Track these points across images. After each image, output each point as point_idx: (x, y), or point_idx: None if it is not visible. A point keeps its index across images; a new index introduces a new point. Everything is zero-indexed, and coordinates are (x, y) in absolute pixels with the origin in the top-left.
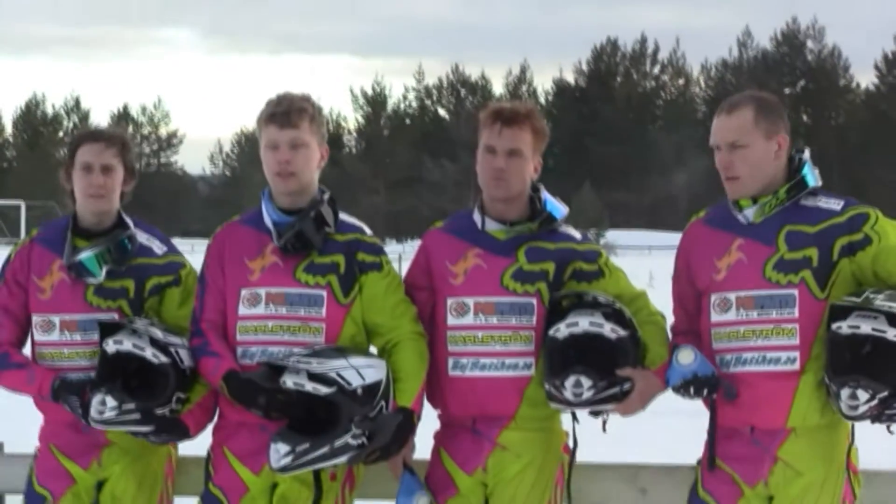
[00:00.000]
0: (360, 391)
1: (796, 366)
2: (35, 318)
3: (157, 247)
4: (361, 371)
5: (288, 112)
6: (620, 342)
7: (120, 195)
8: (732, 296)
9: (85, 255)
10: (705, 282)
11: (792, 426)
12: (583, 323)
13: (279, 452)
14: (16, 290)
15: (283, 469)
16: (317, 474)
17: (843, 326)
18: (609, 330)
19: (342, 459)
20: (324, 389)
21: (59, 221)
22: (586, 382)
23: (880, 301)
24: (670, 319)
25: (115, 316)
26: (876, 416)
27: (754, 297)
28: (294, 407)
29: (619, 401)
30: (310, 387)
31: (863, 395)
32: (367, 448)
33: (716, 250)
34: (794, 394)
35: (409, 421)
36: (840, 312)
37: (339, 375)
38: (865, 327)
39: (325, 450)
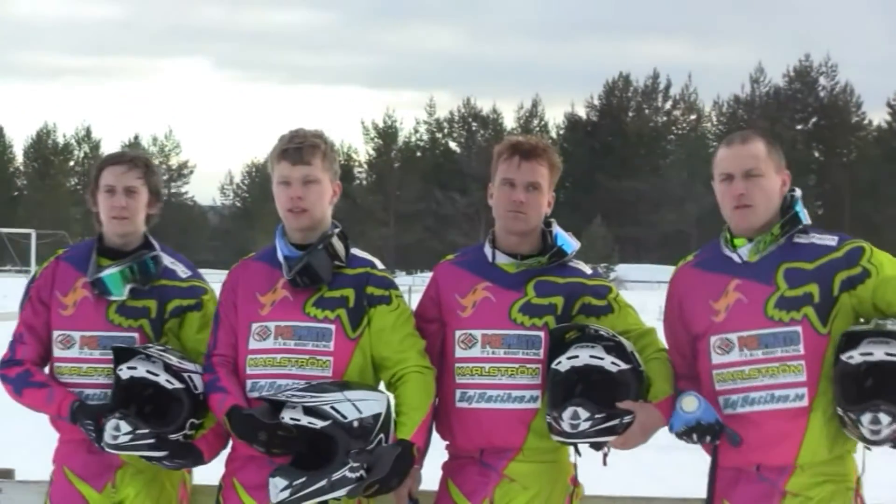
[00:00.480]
0: (356, 424)
1: (805, 402)
2: (55, 334)
3: (182, 270)
4: (358, 404)
5: (300, 148)
6: (621, 375)
7: (146, 218)
8: (734, 336)
9: (107, 272)
10: (703, 325)
11: (801, 463)
12: (583, 356)
13: (277, 487)
14: (40, 308)
15: (282, 503)
16: None
17: (855, 355)
18: (609, 363)
19: (341, 493)
20: (319, 423)
21: (85, 242)
22: (583, 414)
23: (891, 325)
24: None
25: (136, 336)
26: None
27: (757, 336)
28: (297, 442)
29: (618, 433)
30: (305, 421)
31: (885, 418)
32: (365, 481)
33: (711, 293)
34: (804, 431)
35: (407, 453)
36: (851, 341)
37: (333, 409)
38: (878, 353)
39: (322, 483)
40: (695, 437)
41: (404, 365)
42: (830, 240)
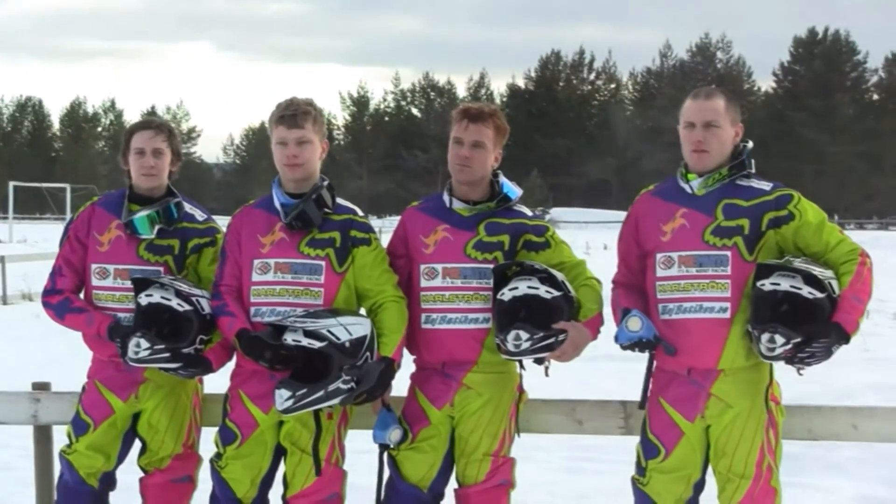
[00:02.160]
0: (347, 344)
1: (727, 314)
2: (93, 267)
3: (199, 214)
4: (349, 328)
5: (294, 115)
6: (555, 301)
7: (169, 174)
8: (675, 255)
9: (138, 215)
10: (653, 243)
11: (722, 368)
12: (522, 287)
13: (282, 397)
14: (76, 245)
15: (286, 411)
16: (316, 415)
17: (766, 283)
18: (544, 291)
19: (335, 402)
20: (317, 344)
21: (117, 191)
22: (524, 335)
23: (798, 263)
24: (604, 280)
25: (161, 269)
26: (789, 359)
27: (694, 256)
28: (296, 360)
29: (554, 349)
30: (305, 342)
31: (779, 339)
32: (355, 391)
33: (662, 217)
34: (724, 340)
35: (390, 368)
36: (765, 271)
37: (329, 332)
38: (784, 284)
39: (319, 394)
40: (636, 349)
41: (383, 295)
42: (766, 185)
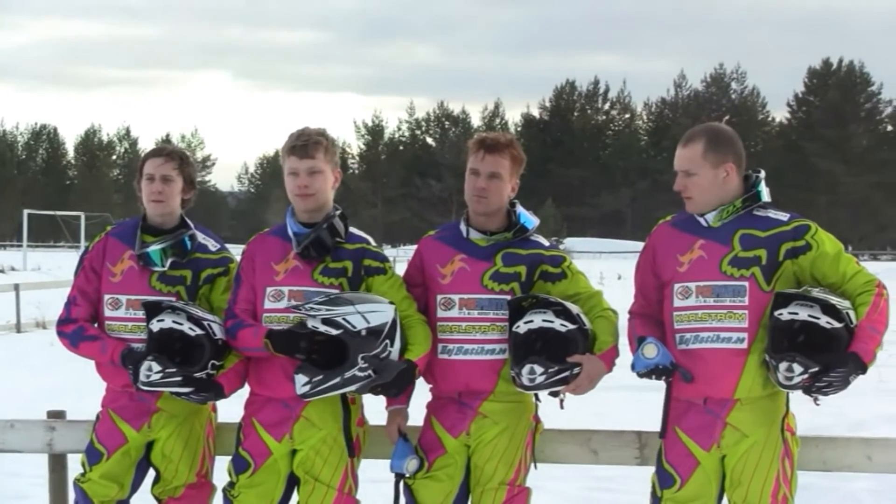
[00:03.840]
0: (364, 332)
1: (744, 344)
2: (106, 297)
3: (212, 244)
4: (367, 315)
5: (306, 145)
6: (570, 334)
7: (182, 202)
8: (693, 285)
9: (152, 248)
10: (670, 273)
11: (738, 397)
12: (537, 320)
13: (300, 382)
14: (91, 275)
15: (304, 395)
16: (343, 397)
17: (784, 313)
18: (559, 325)
19: (352, 388)
20: (333, 331)
21: (130, 220)
22: (538, 369)
23: (816, 293)
24: (619, 310)
25: (174, 300)
26: (807, 388)
27: (711, 286)
28: (326, 345)
29: (569, 382)
30: (322, 329)
31: (797, 368)
32: (372, 380)
33: (679, 248)
34: (741, 369)
35: (410, 371)
36: (783, 300)
37: (345, 320)
38: (803, 314)
39: (336, 380)
40: (653, 377)
41: (409, 318)
42: (783, 216)
